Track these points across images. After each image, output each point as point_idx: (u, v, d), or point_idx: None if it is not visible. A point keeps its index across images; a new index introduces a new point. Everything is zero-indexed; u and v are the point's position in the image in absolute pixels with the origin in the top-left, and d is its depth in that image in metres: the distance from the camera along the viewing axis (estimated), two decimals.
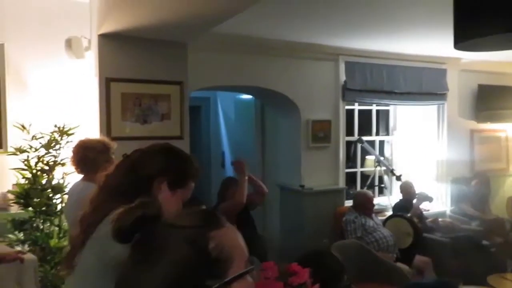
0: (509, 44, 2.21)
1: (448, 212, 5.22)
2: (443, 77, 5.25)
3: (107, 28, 2.95)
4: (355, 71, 4.70)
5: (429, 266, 3.87)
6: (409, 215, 4.21)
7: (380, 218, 4.31)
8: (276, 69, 4.35)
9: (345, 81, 4.66)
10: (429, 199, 4.54)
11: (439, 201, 5.25)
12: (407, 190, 4.67)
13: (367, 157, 5.23)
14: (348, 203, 4.52)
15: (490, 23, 1.78)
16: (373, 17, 3.46)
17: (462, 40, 2.02)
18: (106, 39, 3.05)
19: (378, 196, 5.26)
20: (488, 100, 5.52)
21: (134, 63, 3.14)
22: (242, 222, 3.19)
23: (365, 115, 5.30)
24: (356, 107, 5.14)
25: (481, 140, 5.67)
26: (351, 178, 5.16)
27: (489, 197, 5.26)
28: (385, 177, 5.23)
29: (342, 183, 4.75)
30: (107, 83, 3.02)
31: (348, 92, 4.68)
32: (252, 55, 4.21)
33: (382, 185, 5.26)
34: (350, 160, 5.19)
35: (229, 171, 5.84)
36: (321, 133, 4.56)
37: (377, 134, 5.46)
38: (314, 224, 4.38)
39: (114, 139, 2.57)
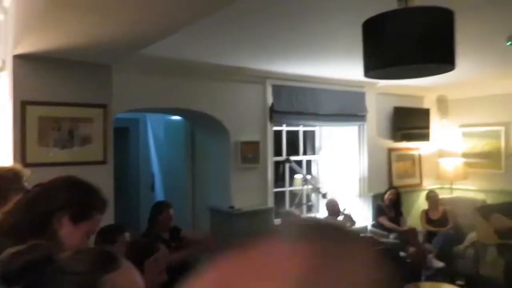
0: (407, 74, 2.48)
1: (369, 227, 5.54)
2: (362, 100, 5.64)
3: (24, 48, 2.80)
4: (281, 94, 4.89)
5: None
6: None
7: None
8: (205, 91, 4.39)
9: (272, 104, 4.83)
10: (353, 223, 4.81)
11: (361, 217, 5.55)
12: (332, 208, 4.90)
13: (295, 176, 5.42)
14: (278, 222, 4.63)
15: (388, 57, 2.02)
16: (297, 44, 3.63)
17: (370, 69, 2.26)
18: (22, 60, 2.90)
19: (306, 213, 5.45)
20: (402, 120, 6.01)
21: (53, 86, 3.00)
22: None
23: (292, 136, 5.51)
24: (284, 128, 5.32)
25: (398, 158, 6.14)
26: (280, 197, 5.30)
27: (402, 209, 5.66)
28: (313, 195, 5.44)
29: (271, 203, 4.85)
30: (22, 107, 2.86)
31: (275, 114, 4.85)
32: (180, 77, 4.22)
33: (310, 203, 5.46)
34: (279, 180, 5.34)
35: (159, 195, 5.71)
36: (250, 154, 4.65)
37: (304, 153, 5.69)
38: None
39: (30, 165, 2.43)
